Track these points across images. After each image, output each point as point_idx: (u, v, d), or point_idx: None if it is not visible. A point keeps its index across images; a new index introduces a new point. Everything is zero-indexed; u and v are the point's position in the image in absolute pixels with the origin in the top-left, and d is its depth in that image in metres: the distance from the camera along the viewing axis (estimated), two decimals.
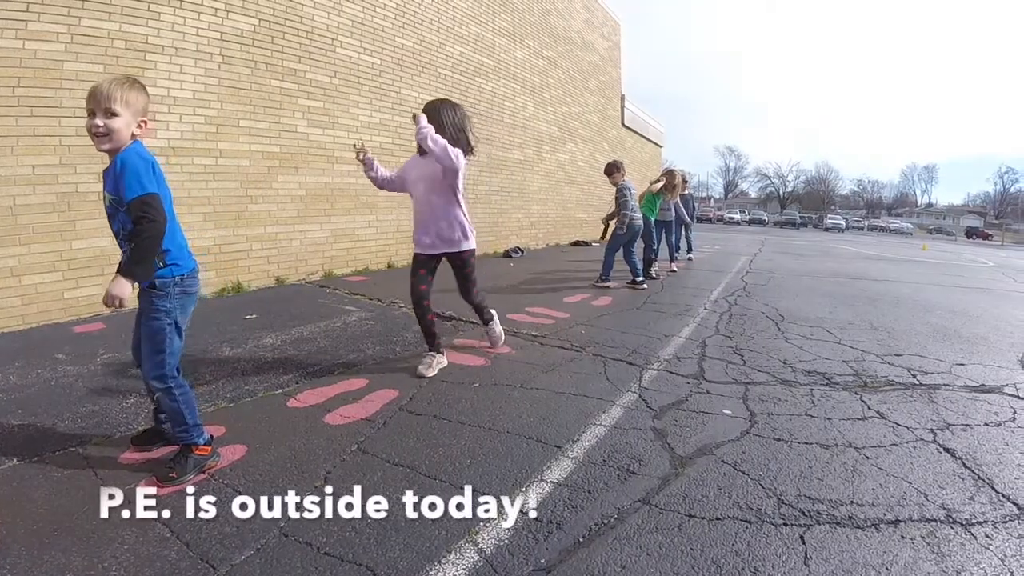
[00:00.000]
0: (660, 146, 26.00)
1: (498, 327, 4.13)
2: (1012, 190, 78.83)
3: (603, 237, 7.49)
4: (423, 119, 3.29)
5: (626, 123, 19.47)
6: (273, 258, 6.48)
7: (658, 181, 8.30)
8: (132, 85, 2.05)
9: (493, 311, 4.14)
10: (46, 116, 4.41)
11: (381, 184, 3.66)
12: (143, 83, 2.12)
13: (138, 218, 1.99)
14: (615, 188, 7.17)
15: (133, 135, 2.06)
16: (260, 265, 6.31)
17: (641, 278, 7.19)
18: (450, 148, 3.26)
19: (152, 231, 2.02)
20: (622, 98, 18.99)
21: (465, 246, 3.60)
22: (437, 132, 3.29)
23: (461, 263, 3.68)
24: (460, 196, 3.52)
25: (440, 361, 3.64)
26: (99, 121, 1.99)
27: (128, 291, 2.00)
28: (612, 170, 7.26)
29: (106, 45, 4.78)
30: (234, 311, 5.10)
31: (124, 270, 2.00)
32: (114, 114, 1.99)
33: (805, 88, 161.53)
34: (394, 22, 8.20)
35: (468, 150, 3.51)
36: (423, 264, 3.61)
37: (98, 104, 1.99)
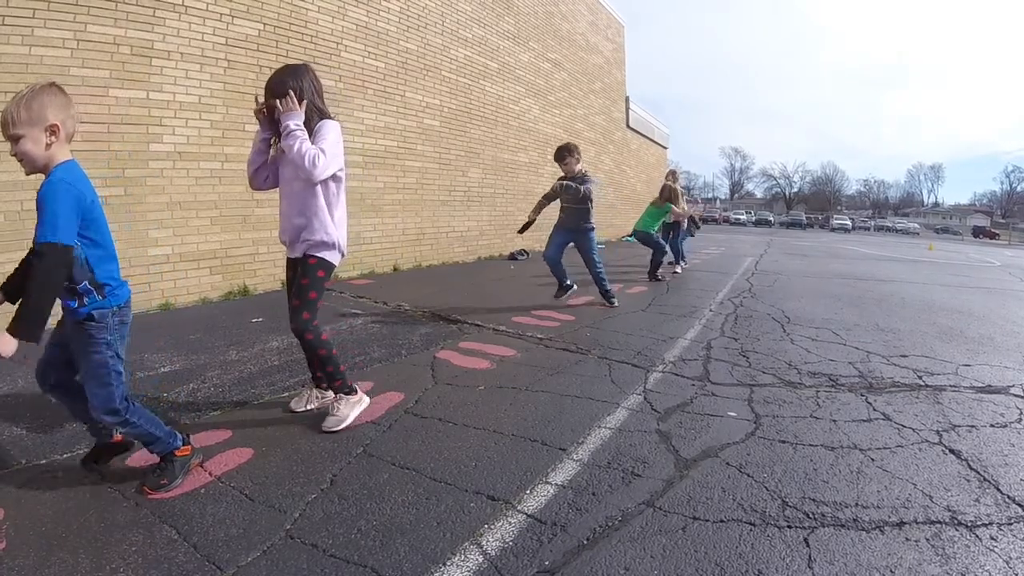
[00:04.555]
0: (665, 148, 26.01)
1: (347, 408, 2.80)
2: (1019, 189, 78.53)
3: (521, 232, 6.17)
4: (286, 119, 2.47)
5: (631, 125, 19.49)
6: (279, 262, 6.50)
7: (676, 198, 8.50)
8: (25, 97, 1.80)
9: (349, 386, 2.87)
10: None
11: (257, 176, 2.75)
12: (50, 84, 1.89)
13: (35, 268, 1.77)
14: (566, 178, 5.71)
15: (49, 145, 1.85)
16: (266, 269, 6.34)
17: (610, 291, 6.15)
18: (310, 152, 2.43)
19: (43, 287, 1.78)
20: (627, 100, 19.01)
21: (315, 250, 2.67)
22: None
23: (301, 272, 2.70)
24: (332, 186, 2.68)
25: (320, 396, 3.01)
26: (11, 151, 1.84)
27: (11, 350, 1.74)
28: (564, 155, 5.69)
29: (112, 51, 4.82)
30: (240, 314, 5.13)
31: (12, 327, 1.74)
32: (17, 137, 1.80)
33: (811, 87, 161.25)
34: (398, 26, 8.24)
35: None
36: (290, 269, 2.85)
37: (3, 134, 1.81)
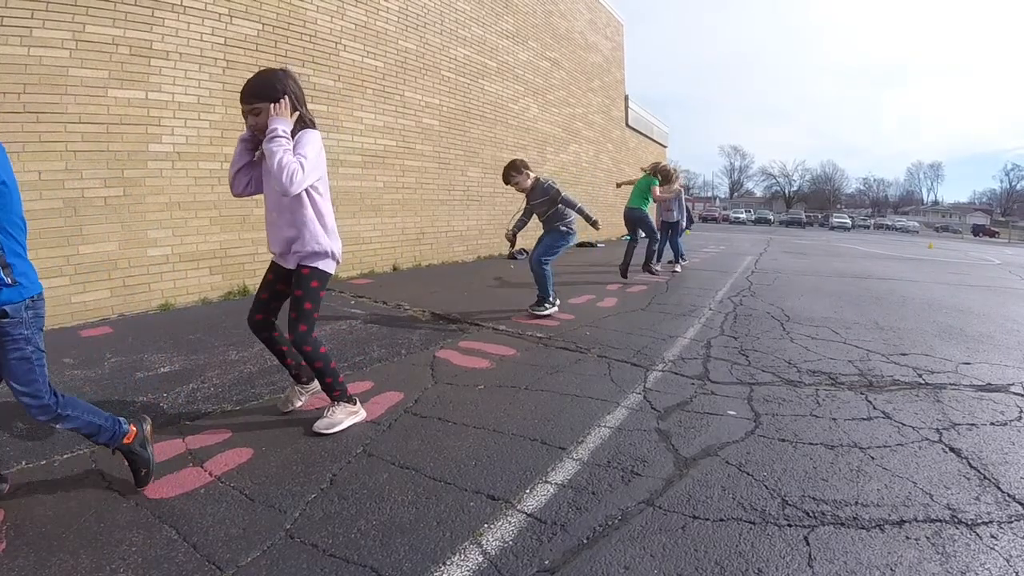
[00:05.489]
0: (664, 146, 25.99)
1: (342, 413, 2.77)
2: (1018, 187, 78.61)
3: (511, 251, 5.96)
4: (276, 122, 2.39)
5: (630, 123, 19.47)
6: None
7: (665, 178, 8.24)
8: None
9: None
10: (52, 122, 4.45)
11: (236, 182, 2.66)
12: None
13: None
14: (530, 190, 5.39)
15: None
16: (266, 268, 6.32)
17: (551, 298, 5.45)
18: (290, 167, 2.32)
19: None
20: (626, 98, 19.00)
21: (309, 260, 2.62)
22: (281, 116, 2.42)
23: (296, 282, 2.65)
24: (316, 196, 2.60)
25: (302, 391, 2.99)
26: None
27: None
28: (511, 174, 5.34)
29: (111, 51, 4.81)
30: (240, 314, 5.11)
31: None
32: None
33: (810, 86, 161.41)
34: (397, 25, 8.23)
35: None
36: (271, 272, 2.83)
37: None
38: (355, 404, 2.84)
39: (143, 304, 5.19)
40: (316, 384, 2.97)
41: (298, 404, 2.96)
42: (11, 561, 1.71)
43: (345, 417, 2.76)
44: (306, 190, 2.52)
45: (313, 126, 2.58)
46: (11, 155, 4.21)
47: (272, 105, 2.41)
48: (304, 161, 2.38)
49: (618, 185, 9.13)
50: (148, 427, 2.23)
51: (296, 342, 2.62)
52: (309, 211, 2.57)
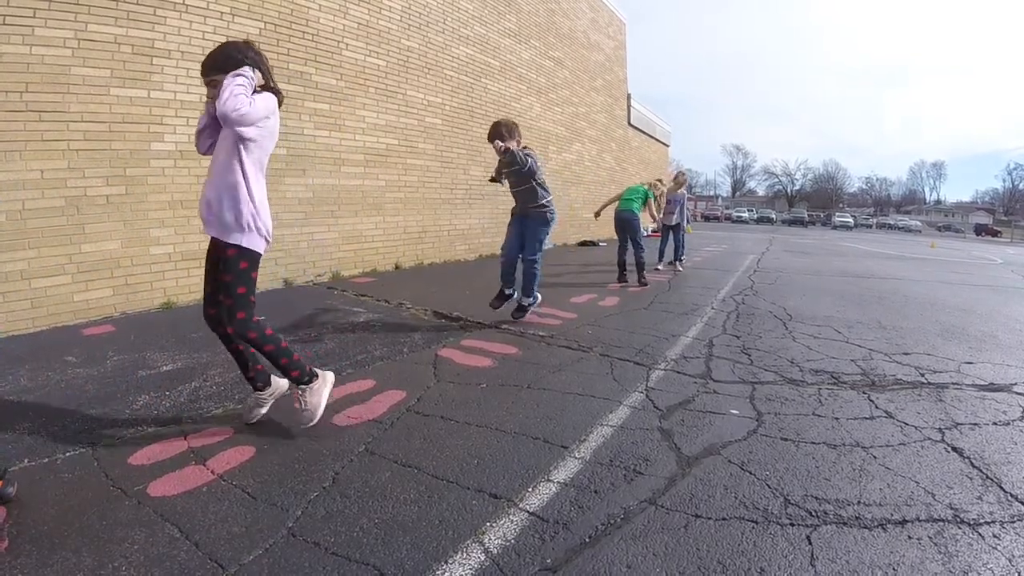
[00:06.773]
0: (667, 145, 25.96)
1: (314, 397, 2.69)
2: (1021, 187, 78.49)
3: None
4: (245, 70, 2.34)
5: (633, 122, 19.44)
6: (280, 260, 6.51)
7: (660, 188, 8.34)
8: None
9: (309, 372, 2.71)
10: (54, 121, 4.45)
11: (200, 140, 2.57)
12: None
13: None
14: (507, 154, 4.93)
15: None
16: (268, 267, 6.33)
17: (532, 299, 5.24)
18: (238, 97, 2.22)
19: None
20: (628, 97, 18.97)
21: (232, 238, 2.42)
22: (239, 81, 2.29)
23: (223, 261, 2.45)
24: (247, 161, 2.42)
25: (265, 398, 2.81)
26: None
27: None
28: (502, 132, 5.00)
29: (112, 50, 4.81)
30: None
31: None
32: None
33: (812, 85, 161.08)
34: (400, 24, 8.22)
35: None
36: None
37: None
38: (317, 377, 2.71)
39: (145, 302, 5.19)
40: (276, 385, 2.82)
41: (264, 411, 2.79)
42: (14, 559, 1.71)
43: (318, 398, 2.67)
44: (240, 151, 2.38)
45: (279, 96, 2.52)
46: (13, 154, 4.25)
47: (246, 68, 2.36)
48: (252, 103, 2.29)
49: (596, 215, 8.69)
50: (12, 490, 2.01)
51: (238, 332, 2.47)
52: (238, 176, 2.39)
